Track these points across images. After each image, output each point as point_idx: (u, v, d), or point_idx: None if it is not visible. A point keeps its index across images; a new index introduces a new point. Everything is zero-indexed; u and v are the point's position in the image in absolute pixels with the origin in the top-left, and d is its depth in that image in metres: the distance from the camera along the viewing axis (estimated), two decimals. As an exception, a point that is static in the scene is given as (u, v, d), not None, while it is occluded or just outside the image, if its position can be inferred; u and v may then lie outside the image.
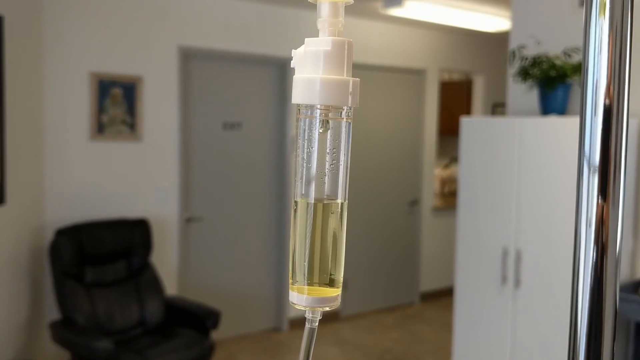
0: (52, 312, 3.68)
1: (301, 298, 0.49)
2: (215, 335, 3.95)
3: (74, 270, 3.50)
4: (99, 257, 3.65)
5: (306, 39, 0.49)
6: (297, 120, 0.50)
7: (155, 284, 3.81)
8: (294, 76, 0.49)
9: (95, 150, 3.98)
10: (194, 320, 3.67)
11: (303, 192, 0.50)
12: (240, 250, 4.72)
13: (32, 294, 3.68)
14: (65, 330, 3.35)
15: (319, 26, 0.49)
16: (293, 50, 0.49)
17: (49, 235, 3.71)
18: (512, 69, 3.26)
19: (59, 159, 3.85)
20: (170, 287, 4.18)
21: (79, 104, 3.90)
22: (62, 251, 3.47)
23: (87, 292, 3.52)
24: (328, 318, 5.10)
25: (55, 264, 3.48)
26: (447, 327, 4.41)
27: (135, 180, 4.14)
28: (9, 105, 3.18)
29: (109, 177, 4.04)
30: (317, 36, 0.49)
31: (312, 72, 0.48)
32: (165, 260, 4.24)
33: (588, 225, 0.42)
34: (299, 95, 0.48)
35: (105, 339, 3.16)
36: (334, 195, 0.50)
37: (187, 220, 4.43)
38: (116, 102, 4.02)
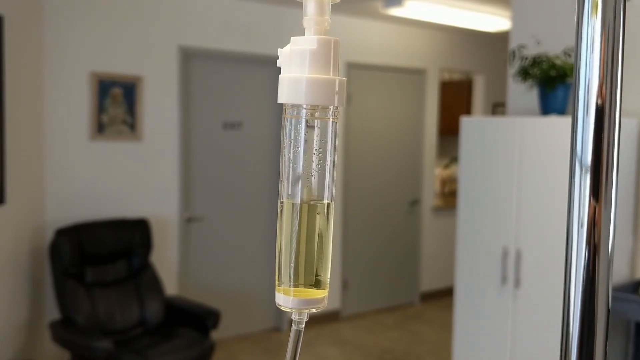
0: (52, 312, 3.68)
1: (287, 300, 0.49)
2: (215, 335, 3.95)
3: (74, 270, 3.50)
4: (99, 257, 3.65)
5: (292, 38, 0.48)
6: (283, 120, 0.49)
7: (155, 284, 3.81)
8: (280, 75, 0.49)
9: (96, 150, 3.98)
10: (194, 320, 3.67)
11: (289, 193, 0.49)
12: (240, 250, 4.72)
13: (32, 294, 3.68)
14: (65, 330, 3.35)
15: (305, 25, 0.49)
16: (279, 49, 0.49)
17: (49, 235, 3.71)
18: (512, 68, 3.26)
19: (59, 159, 3.85)
20: (170, 287, 4.18)
21: (79, 104, 3.90)
22: (62, 251, 3.47)
23: (87, 292, 3.52)
24: (328, 318, 5.10)
25: (55, 264, 3.48)
26: (447, 327, 4.41)
27: (135, 180, 4.14)
28: (8, 105, 3.18)
29: (109, 177, 4.04)
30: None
31: (298, 71, 0.48)
32: (165, 260, 4.24)
33: (580, 225, 0.42)
34: (284, 94, 0.48)
35: (105, 339, 3.16)
36: (320, 195, 0.49)
37: (187, 220, 4.43)
38: (116, 102, 4.02)
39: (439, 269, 5.84)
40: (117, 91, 4.02)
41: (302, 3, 0.49)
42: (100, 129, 3.97)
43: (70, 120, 3.88)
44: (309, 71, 0.47)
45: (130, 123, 4.08)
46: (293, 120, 0.48)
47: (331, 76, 0.48)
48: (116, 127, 4.04)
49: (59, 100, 3.83)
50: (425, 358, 4.52)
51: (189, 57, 4.36)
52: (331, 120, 0.49)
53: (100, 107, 3.97)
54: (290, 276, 0.49)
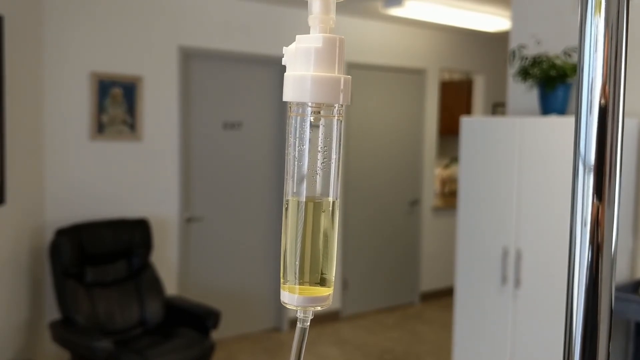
0: (52, 312, 3.68)
1: (292, 298, 0.49)
2: (215, 335, 3.95)
3: (74, 270, 3.50)
4: (99, 257, 3.65)
5: (297, 36, 0.48)
6: (288, 118, 0.49)
7: (155, 284, 3.81)
8: (285, 73, 0.49)
9: (96, 150, 3.98)
10: (194, 320, 3.67)
11: (294, 191, 0.49)
12: (240, 250, 4.72)
13: (32, 294, 3.67)
14: (65, 330, 3.35)
15: (310, 23, 0.49)
16: (284, 47, 0.49)
17: (49, 235, 3.71)
18: (512, 68, 3.26)
19: (59, 159, 3.85)
20: (170, 287, 4.18)
21: (79, 104, 3.90)
22: (62, 251, 3.47)
23: (87, 292, 3.52)
24: (328, 318, 5.10)
25: (55, 264, 3.48)
26: (447, 327, 4.40)
27: (135, 180, 4.14)
28: (8, 106, 3.17)
29: (109, 177, 4.04)
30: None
31: (303, 69, 0.48)
32: (165, 260, 4.24)
33: (583, 225, 0.42)
34: (289, 92, 0.48)
35: (105, 339, 3.16)
36: (325, 193, 0.49)
37: (187, 220, 4.43)
38: (116, 102, 4.02)
39: (439, 269, 5.84)
40: (117, 91, 4.02)
41: (306, 2, 0.49)
42: (100, 129, 3.97)
43: (70, 120, 3.88)
44: (314, 69, 0.47)
45: (130, 123, 4.08)
46: (298, 118, 0.48)
47: (336, 74, 0.48)
48: (116, 127, 4.03)
49: (59, 100, 3.83)
50: (425, 358, 4.52)
51: (189, 57, 4.36)
52: (336, 118, 0.49)
53: (100, 107, 3.96)
54: (295, 274, 0.49)
